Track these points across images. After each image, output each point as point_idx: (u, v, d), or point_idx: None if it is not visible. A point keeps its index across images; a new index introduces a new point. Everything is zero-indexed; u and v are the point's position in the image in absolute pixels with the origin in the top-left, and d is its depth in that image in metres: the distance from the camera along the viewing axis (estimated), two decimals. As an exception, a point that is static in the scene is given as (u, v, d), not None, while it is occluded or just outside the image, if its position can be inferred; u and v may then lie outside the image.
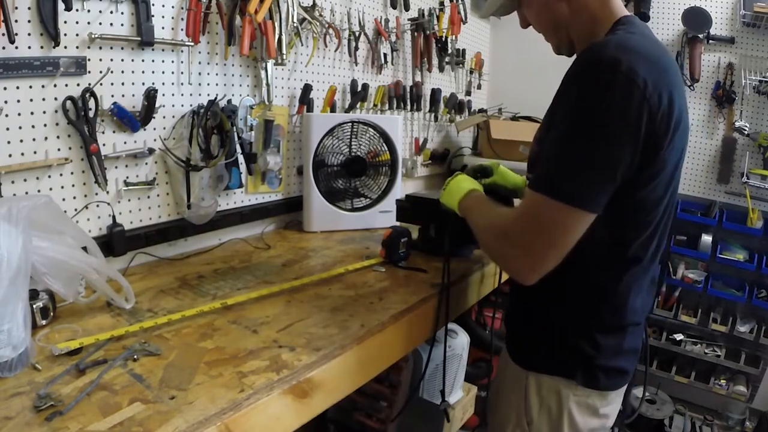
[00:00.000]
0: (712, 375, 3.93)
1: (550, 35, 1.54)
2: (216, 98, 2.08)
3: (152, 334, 1.37)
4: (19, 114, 1.57)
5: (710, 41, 3.70)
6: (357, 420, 2.20)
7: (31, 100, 1.59)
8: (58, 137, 1.67)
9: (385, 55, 3.05)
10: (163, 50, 1.94)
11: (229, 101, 2.17)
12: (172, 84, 2.00)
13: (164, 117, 1.98)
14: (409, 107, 3.28)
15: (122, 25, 1.79)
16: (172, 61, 1.98)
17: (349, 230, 2.52)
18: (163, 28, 1.92)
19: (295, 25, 2.34)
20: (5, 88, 1.53)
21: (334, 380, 1.32)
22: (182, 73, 2.02)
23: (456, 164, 3.83)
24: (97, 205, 1.81)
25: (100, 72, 1.74)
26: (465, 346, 2.63)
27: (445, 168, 3.82)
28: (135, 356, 1.23)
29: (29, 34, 1.56)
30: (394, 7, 3.08)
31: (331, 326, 1.45)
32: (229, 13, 2.07)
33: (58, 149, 1.68)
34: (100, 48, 1.75)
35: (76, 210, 1.75)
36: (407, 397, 2.20)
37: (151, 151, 1.92)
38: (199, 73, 2.09)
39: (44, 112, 1.63)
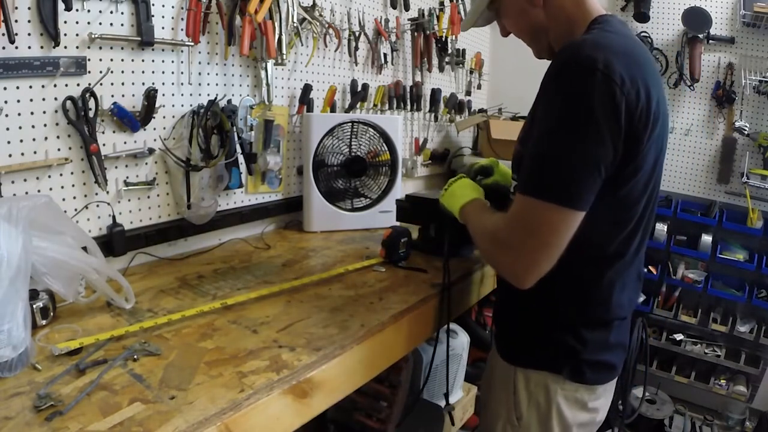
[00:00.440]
0: (712, 375, 3.93)
1: (530, 41, 1.57)
2: (216, 98, 2.08)
3: (152, 334, 1.37)
4: (19, 114, 1.57)
5: (710, 41, 3.70)
6: (357, 420, 2.20)
7: (31, 100, 1.59)
8: (58, 137, 1.67)
9: (385, 55, 3.05)
10: (163, 50, 1.94)
11: (229, 101, 2.17)
12: (172, 84, 1.99)
13: (164, 117, 1.98)
14: (409, 107, 3.28)
15: (122, 25, 1.79)
16: (172, 61, 1.98)
17: (349, 230, 2.52)
18: (163, 28, 1.91)
19: (295, 25, 2.34)
20: (5, 88, 1.53)
21: (334, 380, 1.32)
22: (182, 73, 2.02)
23: (456, 164, 3.83)
24: (97, 205, 1.81)
25: (100, 72, 1.74)
26: (465, 346, 2.63)
27: (445, 168, 3.82)
28: (135, 356, 1.23)
29: (29, 34, 1.56)
30: (394, 7, 3.08)
31: (331, 326, 1.45)
32: (229, 13, 2.07)
33: (58, 149, 1.68)
34: (100, 48, 1.75)
35: (76, 210, 1.75)
36: (411, 398, 2.19)
37: (151, 151, 1.92)
38: (199, 73, 2.09)
39: (44, 112, 1.63)
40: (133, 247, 1.91)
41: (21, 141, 1.58)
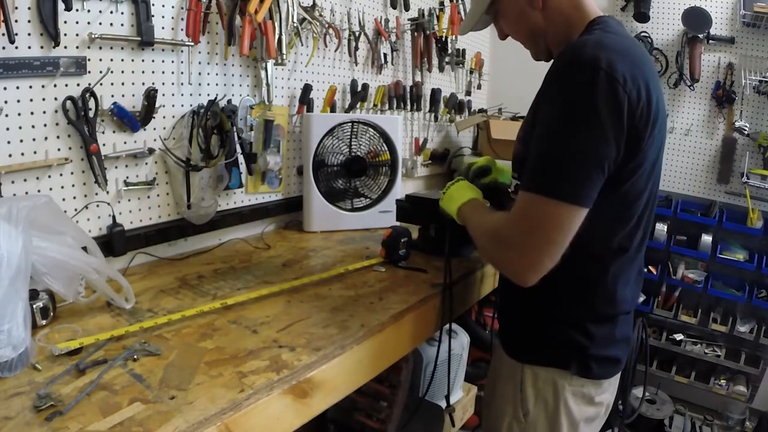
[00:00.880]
0: (712, 375, 3.93)
1: (528, 43, 1.59)
2: (216, 98, 2.08)
3: (152, 334, 1.37)
4: (19, 114, 1.57)
5: (710, 41, 3.69)
6: (357, 420, 2.20)
7: (31, 100, 1.59)
8: (58, 137, 1.67)
9: (385, 55, 3.05)
10: (163, 50, 1.94)
11: (229, 101, 2.17)
12: (172, 84, 2.00)
13: (164, 117, 1.98)
14: (409, 107, 3.28)
15: (122, 25, 1.79)
16: (172, 61, 1.98)
17: (349, 230, 2.52)
18: (163, 28, 1.92)
19: (295, 25, 2.34)
20: (5, 88, 1.53)
21: (334, 380, 1.32)
22: (182, 73, 2.02)
23: (456, 164, 3.83)
24: (97, 205, 1.81)
25: (100, 72, 1.74)
26: (465, 346, 2.64)
27: (445, 168, 3.82)
28: (135, 356, 1.23)
29: (29, 34, 1.56)
30: (394, 7, 3.08)
31: (331, 326, 1.45)
32: (229, 13, 2.07)
33: (58, 149, 1.68)
34: (100, 48, 1.75)
35: (76, 210, 1.75)
36: (412, 400, 2.20)
37: (151, 151, 1.92)
38: (199, 73, 2.09)
39: (44, 112, 1.63)
40: (133, 247, 1.91)
41: (21, 141, 1.58)
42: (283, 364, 1.23)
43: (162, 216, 2.03)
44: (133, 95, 1.87)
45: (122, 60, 1.82)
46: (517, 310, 1.61)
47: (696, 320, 3.90)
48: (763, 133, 3.60)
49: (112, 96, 1.80)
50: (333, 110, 2.74)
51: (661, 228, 3.89)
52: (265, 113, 2.33)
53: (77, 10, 1.65)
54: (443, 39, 3.47)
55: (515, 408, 1.56)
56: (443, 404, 2.38)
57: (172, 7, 1.94)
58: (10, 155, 1.57)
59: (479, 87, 4.16)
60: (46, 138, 1.64)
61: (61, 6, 1.58)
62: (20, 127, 1.58)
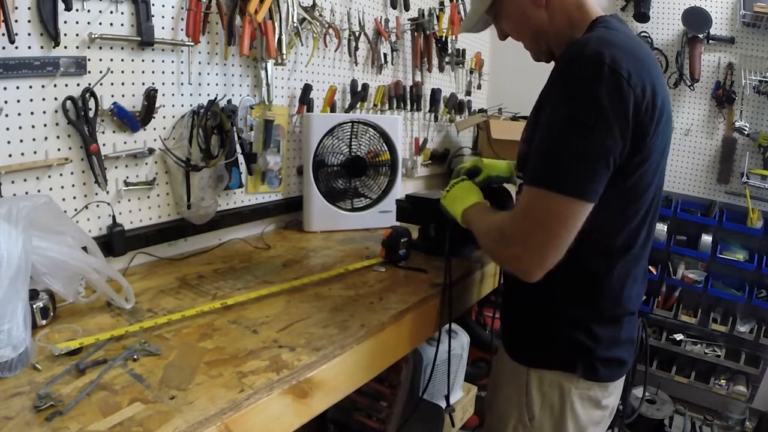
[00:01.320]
0: (712, 375, 3.93)
1: (530, 43, 1.59)
2: (216, 98, 2.08)
3: (152, 334, 1.37)
4: (19, 114, 1.57)
5: (710, 41, 3.69)
6: (357, 420, 2.20)
7: (31, 100, 1.59)
8: (58, 137, 1.67)
9: (385, 55, 3.05)
10: (163, 50, 1.94)
11: (229, 101, 2.17)
12: (172, 84, 2.00)
13: (164, 117, 1.98)
14: (409, 107, 3.28)
15: (122, 25, 1.79)
16: (172, 61, 1.98)
17: (349, 230, 2.52)
18: (163, 28, 1.92)
19: (295, 25, 2.34)
20: (5, 88, 1.53)
21: (334, 380, 1.32)
22: (182, 73, 2.02)
23: (456, 164, 3.83)
24: (97, 205, 1.81)
25: (100, 72, 1.74)
26: (465, 346, 2.64)
27: (445, 168, 3.82)
28: (135, 356, 1.23)
29: (29, 34, 1.56)
30: (394, 7, 3.08)
31: (331, 326, 1.45)
32: (229, 13, 2.07)
33: (58, 149, 1.68)
34: (100, 48, 1.75)
35: (76, 210, 1.75)
36: (411, 401, 2.20)
37: (151, 151, 1.92)
38: (199, 73, 2.09)
39: (44, 112, 1.63)
40: (133, 247, 1.91)
41: (21, 141, 1.58)
42: (283, 364, 1.23)
43: (162, 216, 2.03)
44: (133, 95, 1.87)
45: (122, 60, 1.82)
46: (521, 312, 1.60)
47: (696, 320, 3.90)
48: (763, 133, 3.60)
49: (112, 96, 1.80)
50: (333, 110, 2.74)
51: (661, 228, 3.89)
52: (265, 113, 2.33)
53: (77, 10, 1.65)
54: (443, 39, 3.47)
55: (520, 412, 1.56)
56: (443, 404, 2.37)
57: (172, 7, 1.94)
58: (10, 155, 1.57)
59: (479, 87, 4.16)
60: (46, 138, 1.64)
61: (61, 6, 1.58)
62: (20, 127, 1.58)
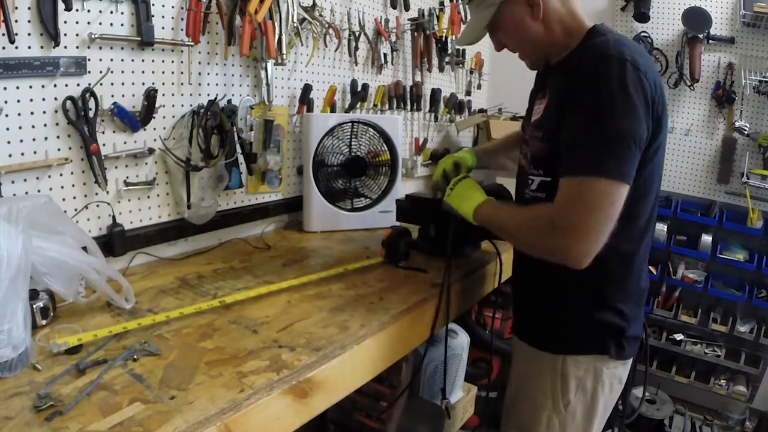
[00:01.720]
0: (712, 375, 3.92)
1: (527, 53, 1.69)
2: (216, 98, 2.08)
3: (152, 334, 1.37)
4: (19, 114, 1.57)
5: (710, 41, 3.69)
6: (357, 420, 2.20)
7: (31, 100, 1.59)
8: (58, 137, 1.67)
9: (385, 55, 3.05)
10: (163, 50, 1.94)
11: (229, 101, 2.17)
12: (172, 84, 1.99)
13: (164, 117, 1.98)
14: (409, 107, 3.28)
15: (122, 25, 1.79)
16: (172, 61, 1.98)
17: (349, 230, 2.52)
18: (163, 28, 1.91)
19: (295, 25, 2.34)
20: (5, 88, 1.53)
21: (334, 380, 1.32)
22: (182, 73, 2.02)
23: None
24: (97, 205, 1.81)
25: (100, 72, 1.74)
26: (465, 346, 2.63)
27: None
28: (135, 356, 1.23)
29: (29, 34, 1.56)
30: (394, 7, 3.08)
31: (331, 326, 1.45)
32: (229, 13, 2.07)
33: (58, 149, 1.68)
34: (100, 48, 1.75)
35: (76, 210, 1.75)
36: (412, 399, 2.20)
37: (151, 151, 1.92)
38: (199, 73, 2.09)
39: (44, 112, 1.63)
40: (133, 247, 1.91)
41: (21, 141, 1.58)
42: (283, 364, 1.23)
43: (162, 216, 2.03)
44: (133, 95, 1.86)
45: (122, 60, 1.82)
46: (548, 301, 1.66)
47: (696, 320, 3.90)
48: (763, 133, 3.60)
49: (112, 96, 1.80)
50: (333, 110, 2.74)
51: (661, 228, 3.88)
52: (265, 113, 2.33)
53: (77, 10, 1.65)
54: (443, 39, 3.47)
55: (555, 401, 1.62)
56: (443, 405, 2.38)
57: (172, 7, 1.93)
58: (10, 155, 1.57)
59: (479, 87, 4.16)
60: (46, 138, 1.64)
61: (61, 6, 1.58)
62: (20, 127, 1.58)
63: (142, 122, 1.87)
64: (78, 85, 1.70)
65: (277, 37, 2.21)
